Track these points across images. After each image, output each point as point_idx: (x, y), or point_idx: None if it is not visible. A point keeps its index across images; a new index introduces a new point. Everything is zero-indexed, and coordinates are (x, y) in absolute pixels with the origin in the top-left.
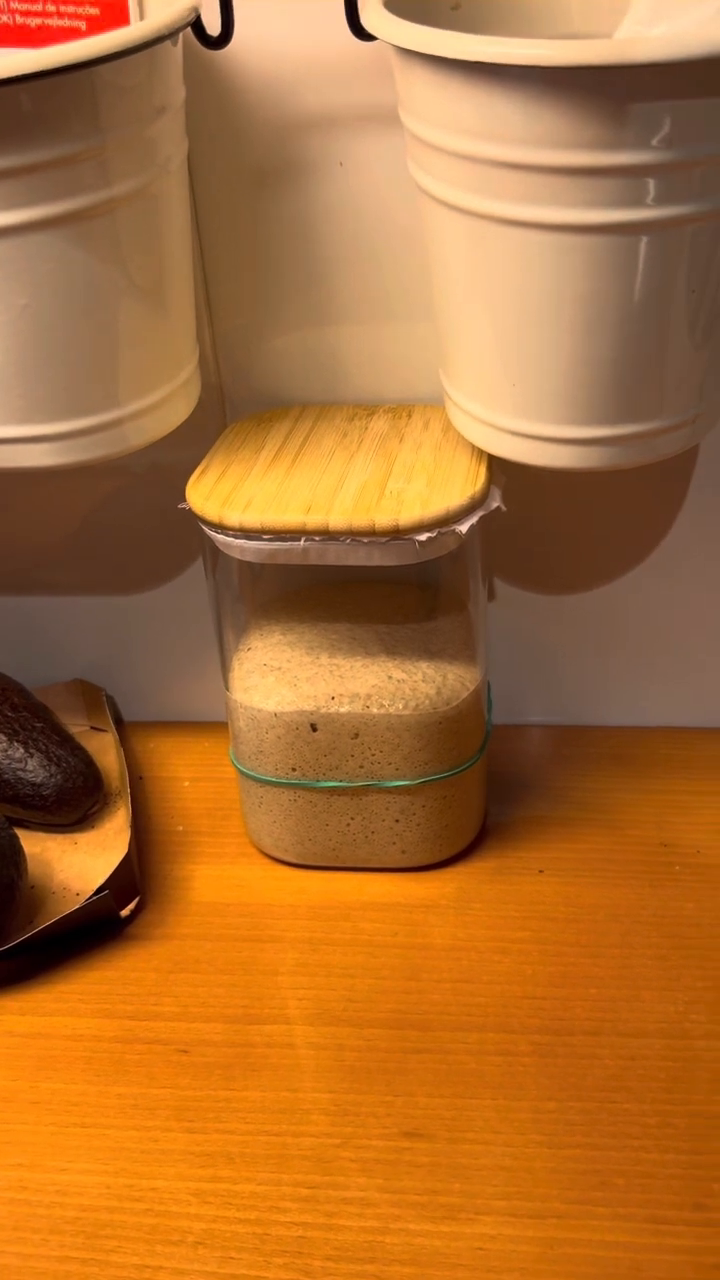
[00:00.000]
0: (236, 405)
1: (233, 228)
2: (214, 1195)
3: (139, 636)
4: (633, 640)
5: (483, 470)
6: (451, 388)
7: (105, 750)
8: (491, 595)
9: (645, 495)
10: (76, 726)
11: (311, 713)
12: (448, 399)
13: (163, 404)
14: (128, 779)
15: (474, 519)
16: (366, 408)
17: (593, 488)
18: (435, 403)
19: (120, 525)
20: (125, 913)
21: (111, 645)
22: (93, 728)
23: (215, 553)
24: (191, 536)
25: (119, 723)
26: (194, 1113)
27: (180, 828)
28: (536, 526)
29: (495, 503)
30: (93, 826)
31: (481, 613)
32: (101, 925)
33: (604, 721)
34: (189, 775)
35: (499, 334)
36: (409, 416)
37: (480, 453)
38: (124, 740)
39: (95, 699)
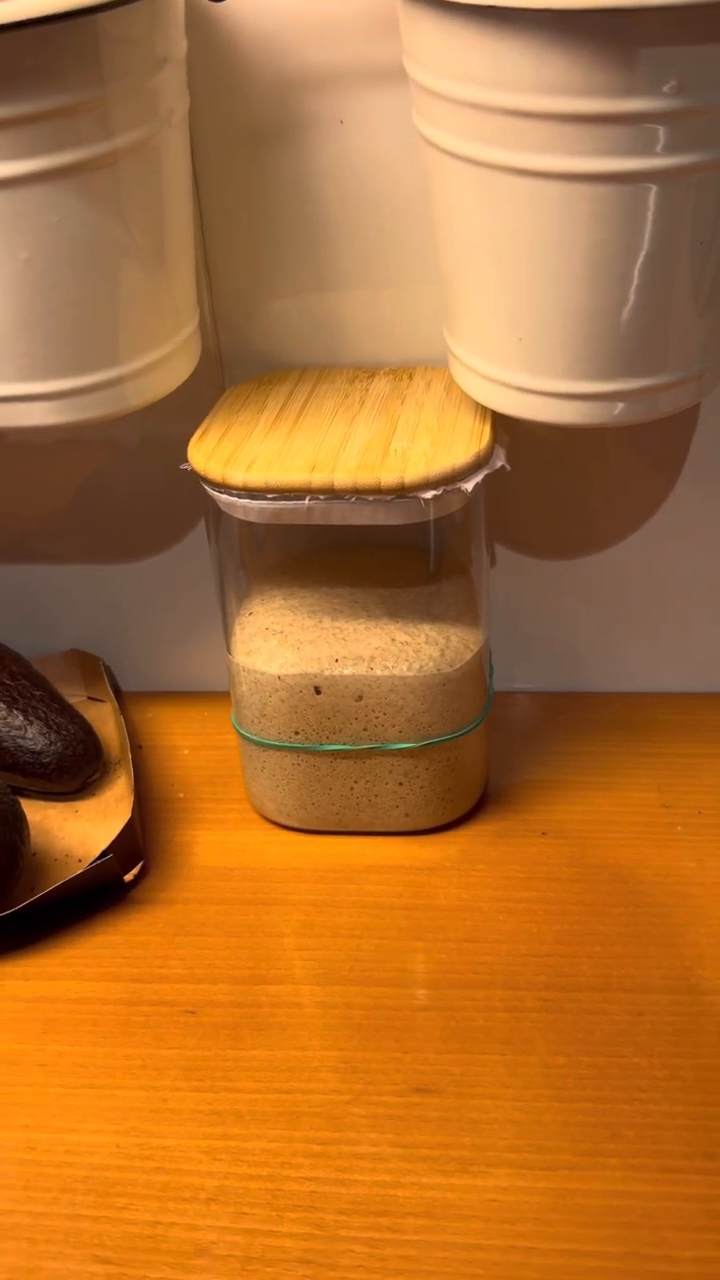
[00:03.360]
0: (234, 370)
1: (230, 187)
2: (225, 1153)
3: (135, 606)
4: (633, 605)
5: (487, 429)
6: (456, 344)
7: (104, 720)
8: (492, 560)
9: (646, 458)
10: (74, 697)
11: (315, 675)
12: (452, 357)
13: (163, 363)
14: (128, 747)
15: (479, 477)
16: (367, 370)
17: (593, 449)
18: (436, 364)
19: (115, 496)
20: (129, 877)
21: (107, 615)
22: (90, 698)
23: (218, 516)
24: (188, 504)
25: (117, 692)
26: (203, 1072)
27: (181, 795)
28: (537, 490)
29: (500, 461)
30: (93, 795)
31: (484, 576)
32: (105, 890)
33: (604, 688)
34: (188, 744)
35: (506, 287)
36: (410, 378)
37: (484, 412)
38: (122, 710)
39: (93, 669)
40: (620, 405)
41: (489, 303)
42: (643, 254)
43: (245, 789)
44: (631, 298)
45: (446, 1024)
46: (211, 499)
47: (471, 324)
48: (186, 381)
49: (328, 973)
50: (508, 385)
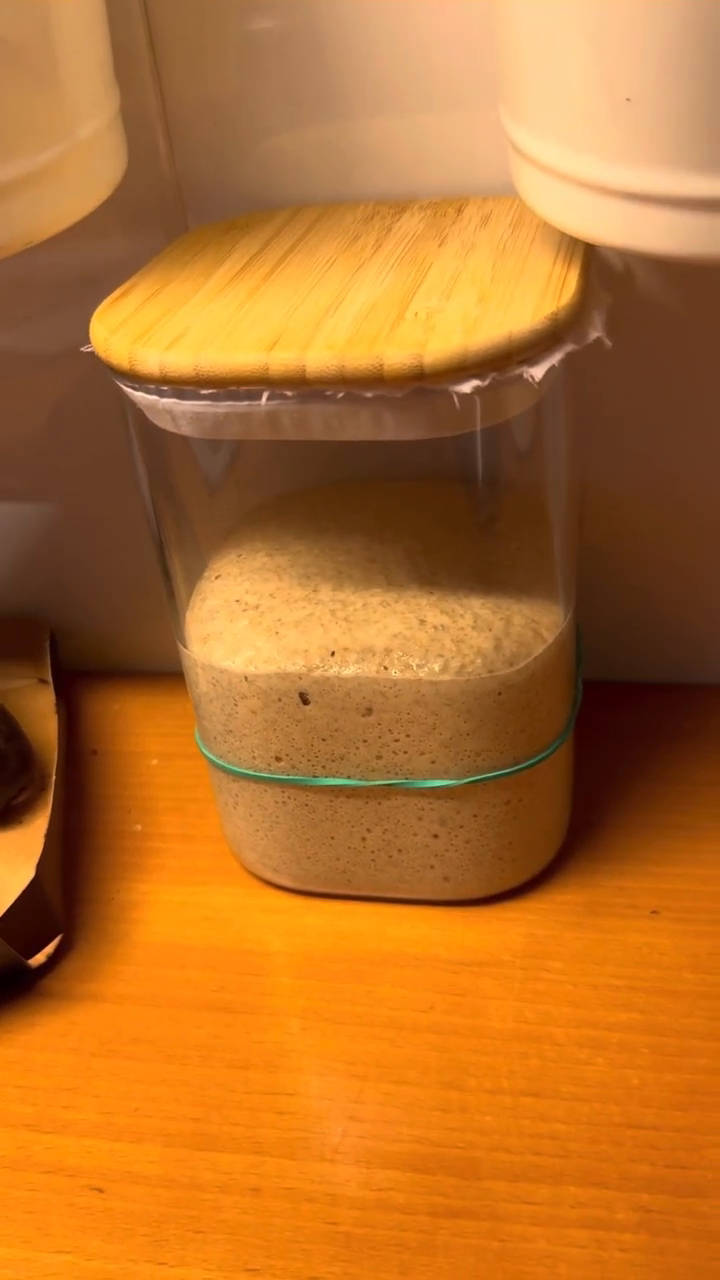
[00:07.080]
0: (204, 213)
1: None
2: None
3: (96, 557)
4: None
5: (573, 275)
6: (518, 126)
7: (49, 713)
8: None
9: None
10: (18, 680)
11: (300, 675)
12: (513, 152)
13: (48, 176)
14: (58, 755)
15: (557, 356)
16: (394, 204)
17: None
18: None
19: (68, 409)
20: (38, 961)
21: (61, 568)
22: (41, 681)
23: (142, 428)
24: None
25: (63, 673)
26: None
27: (138, 827)
28: (640, 388)
29: (595, 332)
30: (19, 822)
31: (566, 519)
32: (3, 979)
33: None
34: (159, 749)
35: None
36: (458, 212)
37: (570, 252)
38: (68, 697)
39: (39, 642)
40: None
41: (570, 33)
42: None
43: (221, 827)
44: None
45: (487, 1244)
46: (128, 400)
47: (541, 81)
48: (135, 229)
49: (308, 1139)
50: (604, 188)
